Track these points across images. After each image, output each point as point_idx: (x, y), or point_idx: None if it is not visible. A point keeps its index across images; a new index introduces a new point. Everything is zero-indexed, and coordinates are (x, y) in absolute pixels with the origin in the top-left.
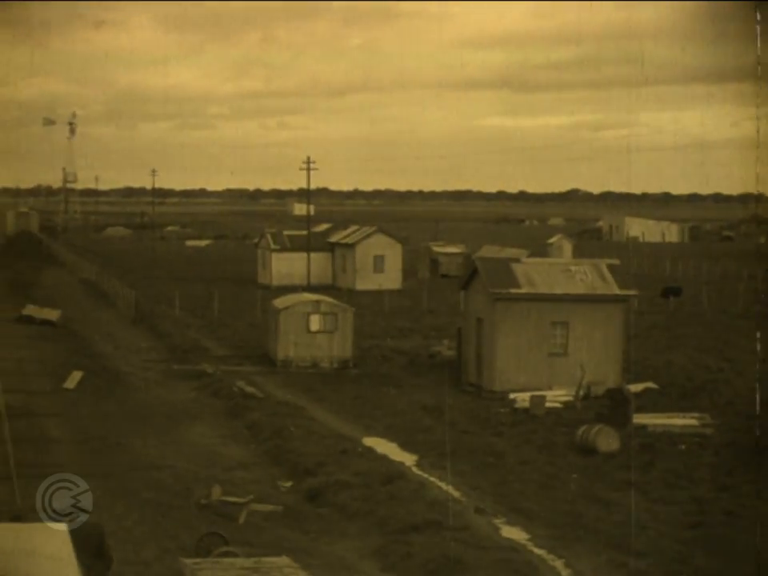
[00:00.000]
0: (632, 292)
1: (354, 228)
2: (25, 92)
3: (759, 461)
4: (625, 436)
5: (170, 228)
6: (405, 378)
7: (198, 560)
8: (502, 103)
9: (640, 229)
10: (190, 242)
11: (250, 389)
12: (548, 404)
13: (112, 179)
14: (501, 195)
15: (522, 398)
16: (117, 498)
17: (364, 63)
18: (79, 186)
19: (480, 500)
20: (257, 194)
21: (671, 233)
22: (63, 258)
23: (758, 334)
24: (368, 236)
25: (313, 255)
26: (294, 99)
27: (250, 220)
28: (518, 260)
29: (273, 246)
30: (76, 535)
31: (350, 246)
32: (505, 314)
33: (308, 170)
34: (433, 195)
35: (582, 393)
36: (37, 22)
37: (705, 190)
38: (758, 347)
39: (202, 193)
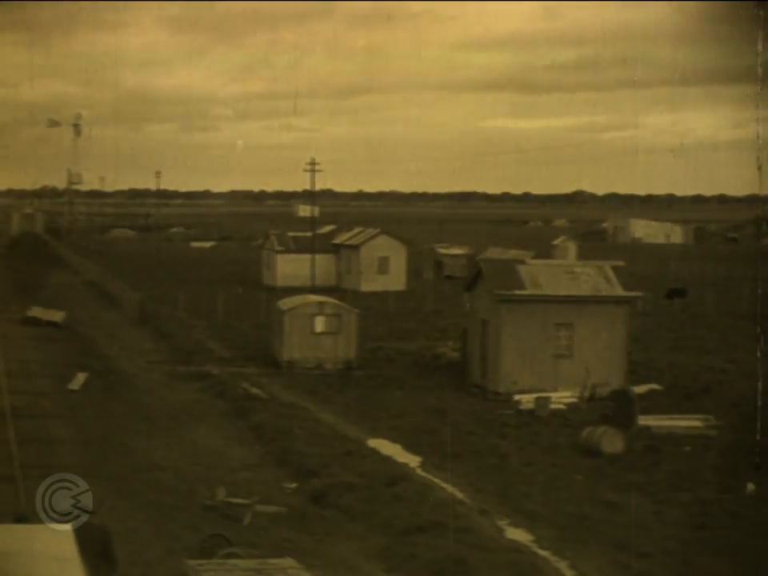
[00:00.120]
0: (636, 294)
1: (358, 229)
2: (30, 93)
3: (763, 462)
4: (629, 437)
5: (174, 229)
6: (409, 379)
7: (202, 561)
8: (506, 105)
9: (644, 230)
10: (194, 244)
11: (254, 390)
12: (553, 405)
13: (117, 181)
14: (505, 197)
15: (527, 400)
16: (121, 498)
17: (369, 65)
18: (84, 187)
19: (484, 501)
20: (261, 196)
21: (676, 234)
22: (68, 259)
23: (761, 338)
24: (372, 237)
25: (317, 257)
26: (298, 101)
27: (254, 221)
28: (522, 261)
29: (277, 248)
30: (81, 536)
31: (355, 248)
32: (509, 315)
33: (312, 171)
34: (437, 197)
35: (586, 394)
36: (42, 23)
37: (709, 192)
38: (759, 348)
39: (207, 194)
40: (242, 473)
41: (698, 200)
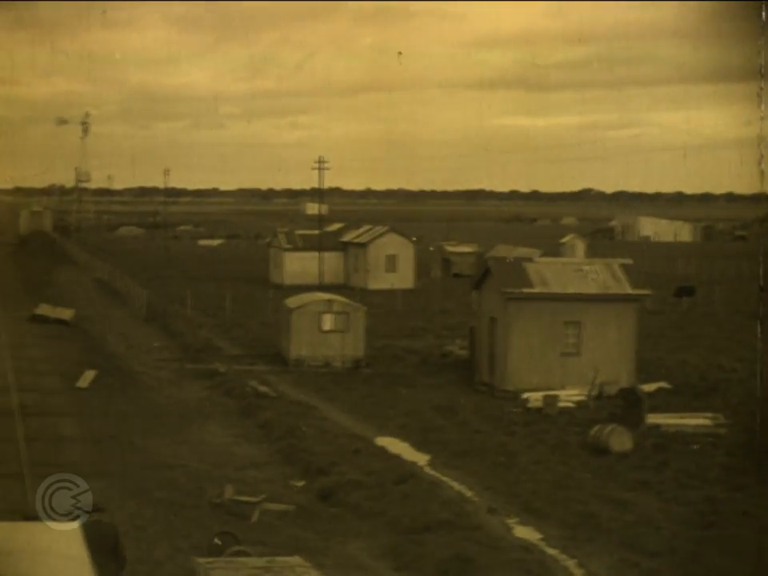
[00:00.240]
0: (645, 292)
1: (366, 227)
2: (38, 92)
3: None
4: (638, 436)
5: (182, 227)
6: (417, 377)
7: (210, 559)
8: (514, 103)
9: (653, 228)
10: (202, 242)
11: (262, 388)
12: (561, 404)
13: (125, 179)
14: (513, 195)
15: (535, 398)
16: (129, 496)
17: (376, 63)
18: (92, 185)
19: (493, 500)
20: (269, 194)
21: (684, 232)
22: (76, 257)
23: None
24: (380, 235)
25: (325, 255)
26: (306, 99)
27: (262, 219)
28: (530, 259)
29: (285, 246)
30: (90, 534)
31: (363, 246)
32: (517, 313)
33: (320, 169)
34: (445, 195)
35: (594, 392)
36: (50, 22)
37: (718, 190)
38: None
39: (215, 192)
40: (250, 471)
41: (706, 198)
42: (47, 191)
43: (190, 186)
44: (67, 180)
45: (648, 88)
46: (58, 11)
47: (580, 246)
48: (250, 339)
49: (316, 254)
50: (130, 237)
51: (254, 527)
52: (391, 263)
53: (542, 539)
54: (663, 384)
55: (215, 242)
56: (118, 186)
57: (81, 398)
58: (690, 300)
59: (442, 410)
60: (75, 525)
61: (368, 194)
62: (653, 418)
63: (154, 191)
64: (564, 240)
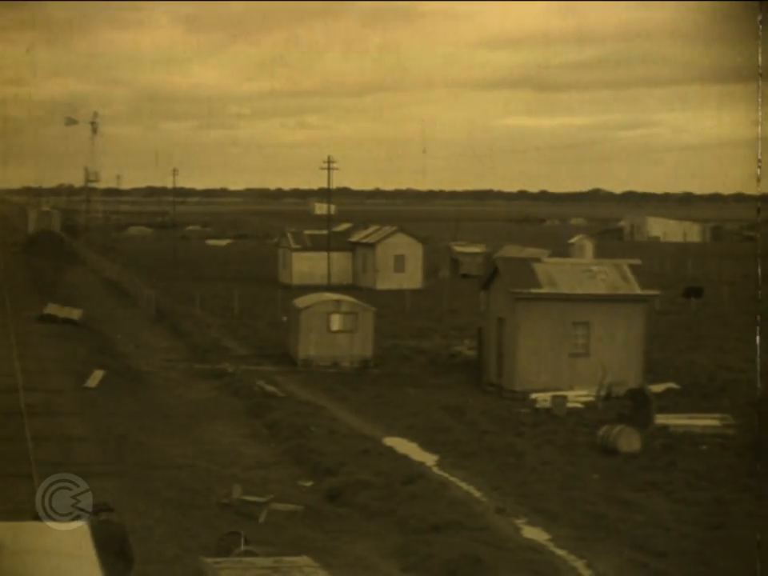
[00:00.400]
0: (653, 292)
1: (374, 227)
2: (47, 92)
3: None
4: (646, 436)
5: (191, 227)
6: (425, 377)
7: (218, 559)
8: (523, 103)
9: (661, 229)
10: (210, 242)
11: (270, 388)
12: (569, 404)
13: (134, 178)
14: (522, 195)
15: (543, 398)
16: (138, 496)
17: (384, 63)
18: (101, 185)
19: (501, 500)
20: (278, 194)
21: (693, 233)
22: (85, 256)
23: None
24: (389, 236)
25: (333, 255)
26: (314, 99)
27: (270, 219)
28: (539, 260)
29: (294, 246)
30: (98, 534)
31: (371, 246)
32: (526, 313)
33: (329, 169)
34: (454, 195)
35: (603, 393)
36: (59, 22)
37: (726, 190)
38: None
39: (223, 192)
40: (258, 471)
41: (715, 198)
42: (56, 191)
43: (199, 186)
44: (76, 180)
45: (657, 88)
46: (67, 11)
47: (589, 247)
48: (259, 339)
49: (324, 254)
50: (138, 237)
51: (262, 527)
52: (399, 263)
53: (551, 540)
54: (671, 384)
55: (223, 242)
56: (126, 185)
57: (89, 397)
58: (699, 300)
59: (450, 410)
60: (83, 525)
61: (376, 194)
62: (661, 419)
63: (162, 191)
64: (573, 240)
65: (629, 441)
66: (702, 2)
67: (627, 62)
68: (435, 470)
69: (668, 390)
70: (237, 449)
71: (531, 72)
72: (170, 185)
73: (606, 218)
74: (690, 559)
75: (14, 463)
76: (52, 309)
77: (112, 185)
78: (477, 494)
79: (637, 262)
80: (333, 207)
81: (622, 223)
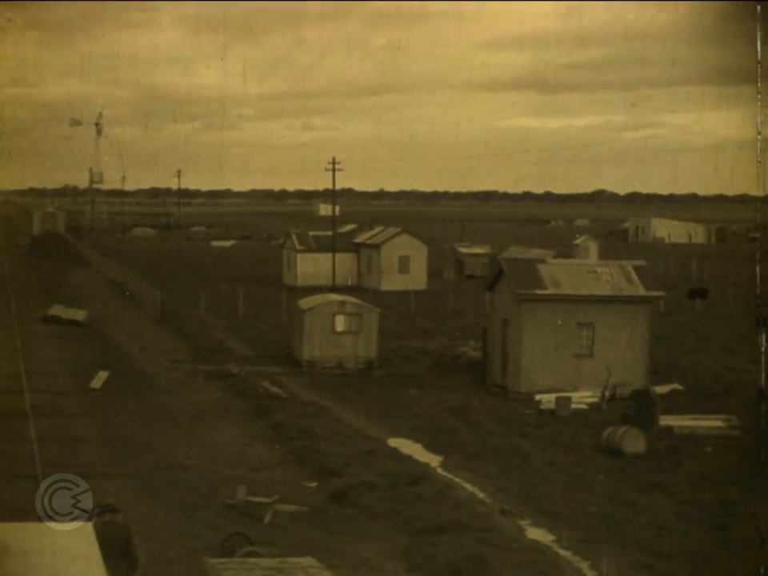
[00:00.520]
0: (658, 293)
1: (379, 229)
2: (51, 93)
3: None
4: (651, 438)
5: (195, 228)
6: (430, 378)
7: (222, 560)
8: (527, 104)
9: (666, 230)
10: (215, 243)
11: (275, 389)
12: (574, 405)
13: (138, 180)
14: (526, 196)
15: (548, 400)
16: (142, 497)
17: (389, 64)
18: (106, 186)
19: (505, 501)
20: (282, 195)
21: (697, 234)
22: (89, 258)
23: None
24: (393, 237)
25: (338, 256)
26: (319, 100)
27: (275, 220)
28: (543, 261)
29: (298, 247)
30: (102, 535)
31: (376, 247)
32: (530, 315)
33: (333, 170)
34: (458, 196)
35: (607, 394)
36: (63, 23)
37: (731, 191)
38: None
39: (228, 193)
40: (263, 472)
41: (719, 199)
42: (61, 192)
43: (203, 187)
44: (80, 181)
45: (662, 89)
46: (71, 12)
47: (593, 248)
48: (263, 340)
49: (329, 255)
50: (142, 238)
51: (267, 528)
52: (404, 264)
53: (555, 541)
54: (676, 386)
55: (228, 243)
56: (130, 187)
57: (94, 398)
58: (703, 302)
59: (454, 411)
60: (88, 525)
61: (381, 195)
62: (666, 420)
63: (166, 192)
64: (577, 241)
65: (633, 442)
66: (707, 3)
67: (632, 62)
68: (440, 471)
69: (672, 392)
70: (241, 450)
71: (536, 73)
72: (174, 186)
73: (611, 219)
74: (695, 560)
75: (19, 464)
76: (57, 310)
77: (116, 186)
78: (481, 494)
79: (641, 263)
80: (337, 208)
81: (626, 224)
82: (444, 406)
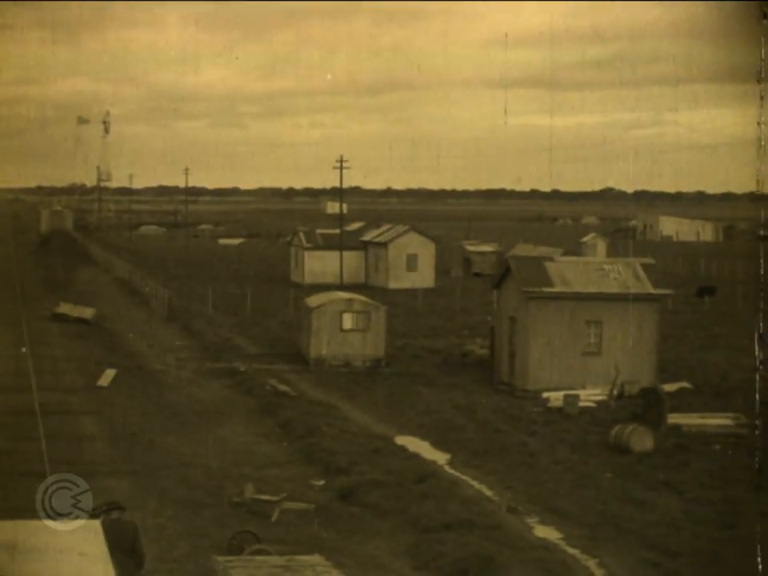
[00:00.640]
0: (666, 291)
1: (386, 226)
2: (59, 91)
3: None
4: (659, 436)
5: (202, 226)
6: (437, 376)
7: (230, 558)
8: (535, 102)
9: (674, 228)
10: (222, 241)
11: (282, 387)
12: (581, 403)
13: (146, 177)
14: (534, 194)
15: (556, 397)
16: (149, 495)
17: (397, 62)
18: (113, 184)
19: (513, 499)
20: (290, 193)
21: (706, 232)
22: (97, 256)
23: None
24: (401, 235)
25: (345, 254)
26: (326, 98)
27: (282, 218)
28: (551, 259)
29: (306, 245)
30: (109, 532)
31: (383, 245)
32: (538, 312)
33: (341, 168)
34: (466, 194)
35: (615, 392)
36: (70, 21)
37: (739, 189)
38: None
39: (235, 191)
40: (270, 470)
41: (728, 197)
42: (68, 190)
43: (210, 185)
44: (88, 179)
45: (669, 87)
46: (78, 10)
47: (601, 246)
48: (270, 338)
49: (336, 253)
50: (150, 236)
51: (274, 526)
52: (412, 262)
53: (563, 539)
54: (684, 384)
55: (235, 241)
56: (138, 185)
57: (101, 396)
58: (712, 300)
59: (462, 409)
60: (95, 523)
61: (388, 193)
62: (674, 418)
63: (174, 190)
64: (585, 239)
65: (641, 440)
66: (714, 3)
67: (641, 61)
68: (447, 468)
69: (681, 390)
70: (249, 447)
71: (544, 71)
72: (181, 184)
73: (619, 216)
74: (703, 559)
75: (27, 462)
76: (64, 308)
77: (124, 184)
78: (488, 492)
79: (650, 261)
80: (345, 206)
81: (634, 222)
82: (451, 403)
